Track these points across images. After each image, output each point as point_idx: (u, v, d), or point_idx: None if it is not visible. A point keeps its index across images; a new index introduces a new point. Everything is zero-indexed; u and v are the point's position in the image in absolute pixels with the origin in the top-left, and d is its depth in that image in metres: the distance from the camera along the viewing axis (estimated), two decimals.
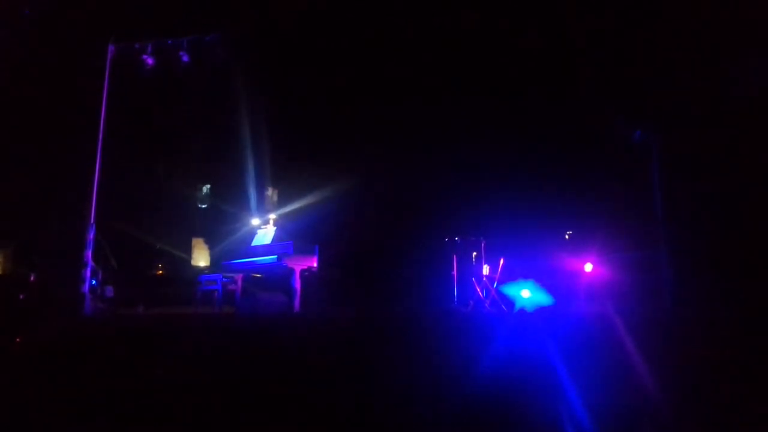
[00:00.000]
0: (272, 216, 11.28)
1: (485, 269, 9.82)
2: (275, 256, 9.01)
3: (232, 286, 9.18)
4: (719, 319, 8.95)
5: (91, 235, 7.23)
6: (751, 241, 10.80)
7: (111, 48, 7.66)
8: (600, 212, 12.76)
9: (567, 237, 13.11)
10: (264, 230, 10.04)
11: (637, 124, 9.68)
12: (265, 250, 9.46)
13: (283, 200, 14.70)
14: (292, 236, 9.64)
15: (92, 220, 7.25)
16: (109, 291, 7.93)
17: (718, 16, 11.38)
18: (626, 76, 12.66)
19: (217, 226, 14.62)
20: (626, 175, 11.45)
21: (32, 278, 10.52)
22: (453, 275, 10.07)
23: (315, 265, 9.29)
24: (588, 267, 10.27)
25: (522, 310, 9.03)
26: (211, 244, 13.42)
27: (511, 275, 9.78)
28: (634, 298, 9.64)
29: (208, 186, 16.44)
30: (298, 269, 8.97)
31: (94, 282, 7.45)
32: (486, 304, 9.39)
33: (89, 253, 7.18)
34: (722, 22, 11.36)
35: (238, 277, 9.21)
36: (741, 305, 9.27)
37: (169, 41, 7.76)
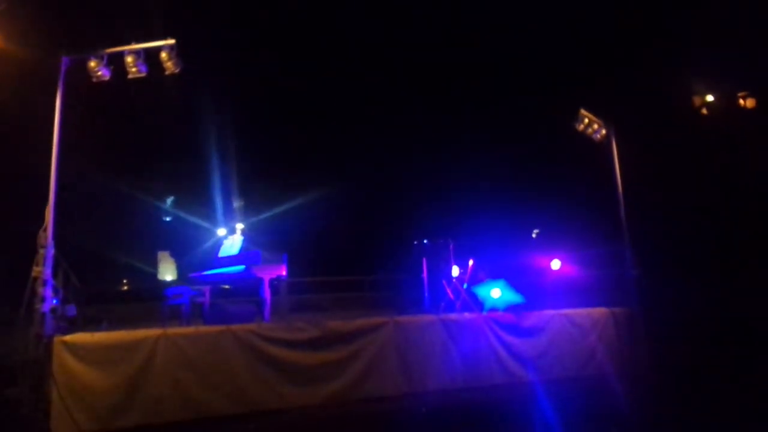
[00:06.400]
0: (239, 225, 11.12)
1: (455, 271, 9.85)
2: (243, 266, 8.86)
3: (200, 299, 8.99)
4: (683, 314, 9.17)
5: (50, 253, 6.98)
6: (714, 237, 11.13)
7: (65, 59, 7.44)
8: (566, 210, 12.97)
9: (534, 235, 13.27)
10: (231, 240, 9.86)
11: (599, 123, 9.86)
12: (232, 260, 9.30)
13: (250, 209, 14.54)
14: (259, 245, 9.49)
15: (51, 237, 7.01)
16: (71, 310, 7.65)
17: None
18: (591, 81, 12.92)
19: (183, 238, 14.36)
20: (591, 174, 11.67)
21: None
22: (423, 278, 10.07)
23: (284, 273, 9.16)
24: (555, 264, 10.40)
25: (493, 309, 9.08)
26: (178, 256, 13.14)
27: (481, 275, 9.84)
28: (601, 294, 9.81)
29: (173, 198, 16.13)
30: (267, 278, 8.83)
31: (55, 301, 7.20)
32: (457, 306, 9.41)
33: (49, 272, 6.93)
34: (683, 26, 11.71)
35: (206, 289, 9.02)
36: (704, 300, 9.52)
37: (126, 51, 7.58)
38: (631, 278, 9.38)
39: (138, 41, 7.57)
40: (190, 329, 7.36)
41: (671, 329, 8.98)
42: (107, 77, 7.53)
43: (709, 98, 12.63)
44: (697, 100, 12.68)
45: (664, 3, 12.69)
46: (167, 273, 14.61)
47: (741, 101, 12.37)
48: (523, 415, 6.87)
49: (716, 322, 9.06)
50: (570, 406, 7.17)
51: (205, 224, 13.86)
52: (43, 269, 6.78)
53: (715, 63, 12.39)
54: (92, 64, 7.44)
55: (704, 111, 12.54)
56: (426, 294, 10.00)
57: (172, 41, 7.58)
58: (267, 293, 8.77)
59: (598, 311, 9.09)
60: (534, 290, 9.88)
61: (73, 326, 7.35)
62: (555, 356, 8.60)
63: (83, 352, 6.52)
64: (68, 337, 6.56)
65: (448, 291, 9.62)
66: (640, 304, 9.25)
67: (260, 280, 8.79)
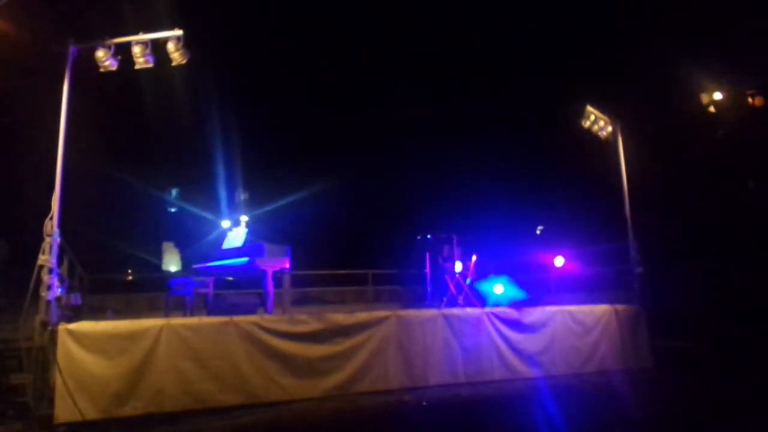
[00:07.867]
0: (243, 218, 11.15)
1: (458, 266, 9.86)
2: (247, 258, 8.89)
3: (203, 290, 9.04)
4: (686, 311, 9.16)
5: (56, 242, 7.02)
6: (719, 235, 11.09)
7: (73, 49, 7.45)
8: (570, 207, 12.94)
9: (538, 232, 13.25)
10: (234, 232, 9.90)
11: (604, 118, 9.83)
12: (236, 252, 9.32)
13: (254, 202, 14.56)
14: (263, 237, 9.52)
15: (57, 226, 7.05)
16: (76, 299, 7.71)
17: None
18: (598, 77, 12.86)
19: (187, 229, 14.40)
20: (596, 171, 11.64)
21: None
22: (426, 273, 10.09)
23: (287, 266, 9.19)
24: (559, 261, 10.39)
25: (496, 305, 9.09)
26: (182, 247, 13.19)
27: (484, 271, 9.84)
28: (604, 290, 9.80)
29: (177, 189, 16.18)
30: (270, 271, 8.86)
31: (60, 289, 7.25)
32: (459, 301, 9.43)
33: (54, 260, 6.97)
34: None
35: (210, 280, 9.06)
36: (708, 298, 9.50)
37: (133, 42, 7.57)
38: (635, 275, 9.36)
39: (146, 31, 7.56)
40: (193, 320, 7.39)
41: (674, 326, 8.98)
42: (115, 67, 7.54)
43: (717, 96, 12.54)
44: (704, 98, 12.59)
45: (673, 0, 12.62)
46: (171, 263, 14.70)
47: (749, 99, 12.29)
48: (524, 410, 6.88)
49: (719, 320, 9.05)
50: (572, 402, 7.19)
51: (209, 216, 13.89)
52: (49, 258, 6.81)
53: (723, 61, 12.32)
54: (100, 53, 7.44)
55: (712, 109, 12.46)
56: (429, 289, 10.02)
57: (179, 32, 7.57)
58: (270, 285, 8.80)
59: (601, 308, 9.09)
60: (537, 286, 9.89)
61: (77, 315, 7.41)
62: (557, 352, 8.60)
63: (87, 341, 6.56)
64: (73, 326, 6.61)
65: (451, 286, 9.64)
66: (643, 301, 9.24)
67: (264, 272, 8.82)
